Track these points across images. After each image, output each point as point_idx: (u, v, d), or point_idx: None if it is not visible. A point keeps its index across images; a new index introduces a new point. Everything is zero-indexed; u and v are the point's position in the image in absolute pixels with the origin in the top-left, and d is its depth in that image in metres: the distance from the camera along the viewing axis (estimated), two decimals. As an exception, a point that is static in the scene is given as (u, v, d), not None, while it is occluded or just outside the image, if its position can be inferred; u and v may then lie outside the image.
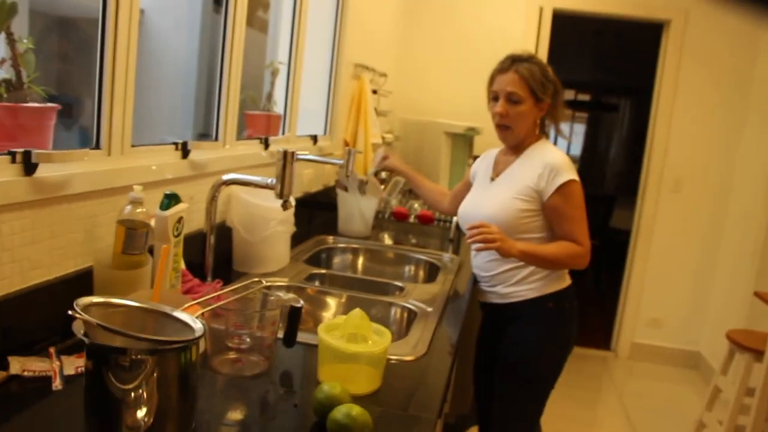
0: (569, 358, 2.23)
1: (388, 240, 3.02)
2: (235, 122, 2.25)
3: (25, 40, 1.33)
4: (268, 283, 1.67)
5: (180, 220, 1.60)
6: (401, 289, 2.17)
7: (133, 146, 1.67)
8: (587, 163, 9.61)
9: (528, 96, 2.09)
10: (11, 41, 1.30)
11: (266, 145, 2.47)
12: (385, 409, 1.28)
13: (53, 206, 1.37)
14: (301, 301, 1.44)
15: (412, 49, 4.85)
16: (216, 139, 2.19)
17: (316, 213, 3.07)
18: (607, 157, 9.99)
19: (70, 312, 0.96)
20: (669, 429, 3.93)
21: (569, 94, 9.25)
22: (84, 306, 1.02)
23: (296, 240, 2.55)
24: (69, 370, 1.25)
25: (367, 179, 3.04)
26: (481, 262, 2.23)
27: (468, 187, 2.41)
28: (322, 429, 1.13)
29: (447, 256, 2.71)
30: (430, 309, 1.95)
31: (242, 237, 2.11)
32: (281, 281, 2.07)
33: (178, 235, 1.60)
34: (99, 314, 1.03)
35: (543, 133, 2.25)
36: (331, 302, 2.07)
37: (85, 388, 1.03)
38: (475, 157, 4.49)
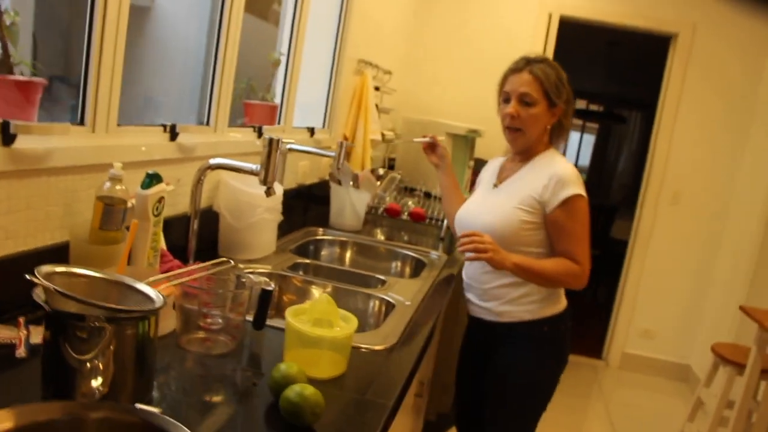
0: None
1: (379, 235, 3.03)
2: (228, 109, 2.27)
3: (11, 12, 1.35)
4: (242, 267, 1.69)
5: (161, 200, 1.62)
6: (383, 282, 2.18)
7: (119, 125, 1.69)
8: (595, 173, 9.61)
9: (541, 98, 1.98)
10: (-4, 13, 1.32)
11: (260, 134, 2.49)
12: (343, 392, 1.30)
13: (32, 178, 1.39)
14: (272, 284, 1.45)
15: (419, 48, 4.87)
16: (207, 124, 2.21)
17: (310, 205, 3.09)
18: (615, 169, 9.99)
19: (28, 276, 0.98)
20: (653, 440, 3.93)
21: (580, 104, 9.24)
22: (45, 273, 1.04)
23: (287, 231, 2.57)
24: (36, 339, 1.27)
25: (363, 174, 3.06)
26: (475, 273, 2.12)
27: None
28: (278, 407, 1.15)
29: (435, 253, 2.72)
30: (408, 302, 1.97)
31: (228, 223, 2.13)
32: (264, 268, 2.09)
33: (158, 214, 1.62)
34: (61, 283, 1.05)
35: (551, 144, 2.12)
36: (315, 292, 2.08)
37: (42, 354, 1.05)
38: (476, 160, 4.55)
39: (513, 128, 2.02)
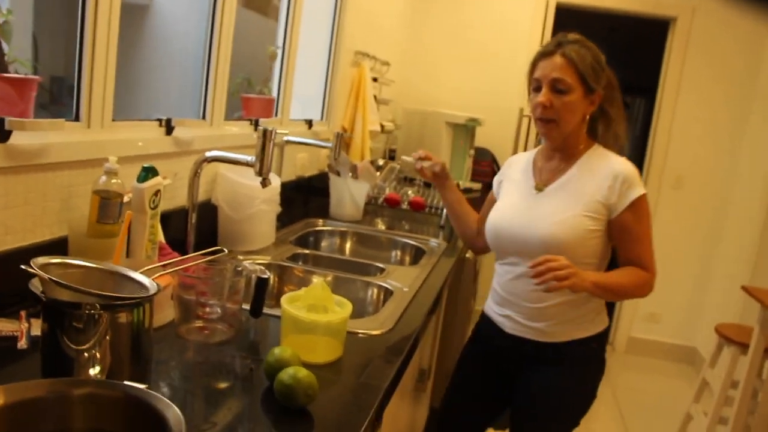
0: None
1: (379, 225, 3.05)
2: (224, 102, 2.29)
3: (4, 11, 1.37)
4: (241, 258, 1.71)
5: (157, 193, 1.64)
6: (382, 270, 2.20)
7: (114, 120, 1.71)
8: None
9: (577, 84, 1.74)
10: (-12, 11, 1.34)
11: (256, 127, 2.51)
12: (339, 376, 1.32)
13: (29, 174, 1.41)
14: (268, 273, 1.47)
15: (418, 39, 4.88)
16: (203, 117, 2.23)
17: (310, 197, 3.11)
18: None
19: (23, 267, 1.00)
20: (658, 421, 3.94)
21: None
22: (41, 264, 1.06)
23: (287, 222, 2.59)
24: (37, 332, 1.29)
25: (362, 164, 3.07)
26: (523, 289, 1.83)
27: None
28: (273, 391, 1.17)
29: (434, 241, 2.74)
30: (406, 289, 1.98)
31: (227, 215, 2.16)
32: (263, 259, 2.11)
33: (155, 207, 1.64)
34: (57, 273, 1.07)
35: (594, 139, 1.89)
36: (315, 281, 2.10)
37: (41, 342, 1.07)
38: (476, 149, 4.56)
39: (546, 119, 1.78)
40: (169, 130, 1.93)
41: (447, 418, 2.13)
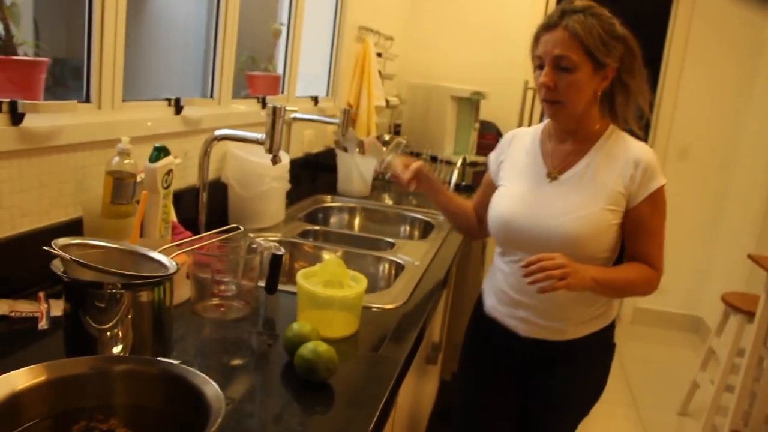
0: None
1: (387, 200, 3.06)
2: (231, 80, 2.29)
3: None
4: (252, 236, 1.72)
5: (169, 172, 1.65)
6: (392, 245, 2.21)
7: (124, 101, 1.72)
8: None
9: (583, 60, 1.54)
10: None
11: (263, 105, 2.51)
12: (356, 350, 1.34)
13: (42, 156, 1.42)
14: (282, 249, 1.49)
15: (420, 12, 4.84)
16: (211, 96, 2.23)
17: (318, 173, 3.12)
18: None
19: (45, 248, 1.01)
20: (665, 389, 3.98)
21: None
22: (62, 245, 1.07)
23: (296, 199, 2.60)
24: (56, 312, 1.31)
25: (368, 140, 3.07)
26: (533, 289, 1.52)
27: (491, 192, 1.83)
28: (293, 365, 1.19)
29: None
30: (417, 263, 2.00)
31: (237, 193, 2.17)
32: (274, 236, 2.12)
33: (168, 186, 1.65)
34: (77, 254, 1.08)
35: (612, 118, 1.70)
36: (326, 257, 2.11)
37: (64, 326, 1.08)
38: (481, 122, 4.55)
39: (551, 101, 1.61)
40: (179, 109, 1.93)
41: None
